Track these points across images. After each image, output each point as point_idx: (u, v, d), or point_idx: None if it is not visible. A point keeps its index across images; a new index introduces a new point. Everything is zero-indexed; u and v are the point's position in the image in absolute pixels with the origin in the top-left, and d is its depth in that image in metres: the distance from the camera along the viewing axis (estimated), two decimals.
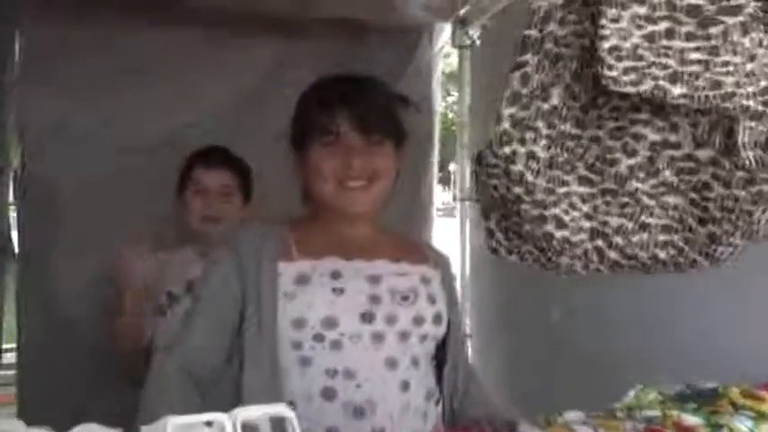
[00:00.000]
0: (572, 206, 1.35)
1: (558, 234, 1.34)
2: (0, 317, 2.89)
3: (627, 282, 1.59)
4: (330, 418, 1.47)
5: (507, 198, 1.34)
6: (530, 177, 1.30)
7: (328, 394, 1.50)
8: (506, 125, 1.29)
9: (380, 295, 1.56)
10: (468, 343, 2.99)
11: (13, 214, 2.96)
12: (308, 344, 1.51)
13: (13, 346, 2.99)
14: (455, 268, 1.96)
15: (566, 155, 1.33)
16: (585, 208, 1.36)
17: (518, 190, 1.31)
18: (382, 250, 1.63)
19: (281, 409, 1.11)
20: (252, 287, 1.54)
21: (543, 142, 1.30)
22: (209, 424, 1.08)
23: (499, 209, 1.41)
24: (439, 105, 3.67)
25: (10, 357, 3.09)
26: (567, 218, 1.35)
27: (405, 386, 1.53)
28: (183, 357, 1.54)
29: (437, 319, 1.59)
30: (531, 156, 1.30)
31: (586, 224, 1.36)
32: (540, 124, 1.30)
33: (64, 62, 2.83)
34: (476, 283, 3.34)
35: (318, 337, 1.51)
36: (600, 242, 1.38)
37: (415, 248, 1.71)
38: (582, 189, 1.36)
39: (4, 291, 2.92)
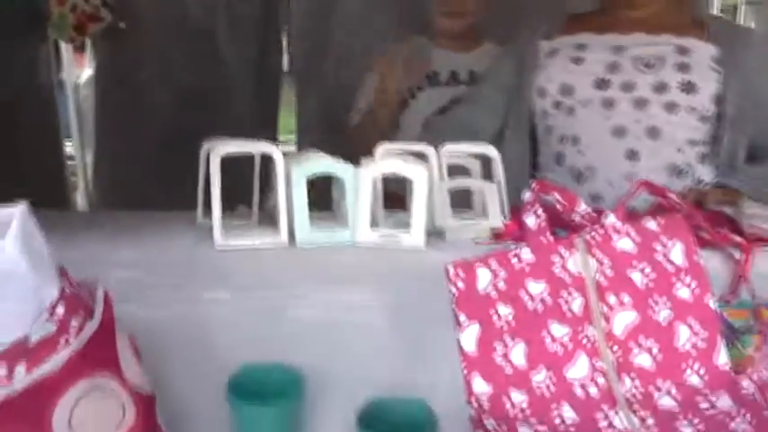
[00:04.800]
0: None
1: None
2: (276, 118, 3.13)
3: None
4: (559, 181, 1.59)
5: None
6: None
7: (559, 160, 1.66)
8: None
9: (621, 63, 1.61)
10: None
11: None
12: (550, 111, 1.67)
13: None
14: None
15: None
16: None
17: None
18: (645, 25, 1.64)
19: (486, 149, 1.24)
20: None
21: None
22: (420, 155, 1.20)
23: None
24: None
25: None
26: None
27: (632, 155, 1.57)
28: None
29: (687, 87, 1.56)
30: None
31: None
32: None
33: None
34: None
35: (557, 105, 1.65)
36: None
37: (696, 23, 1.63)
38: None
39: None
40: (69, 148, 3.13)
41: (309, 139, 2.96)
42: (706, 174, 1.60)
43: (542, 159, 1.72)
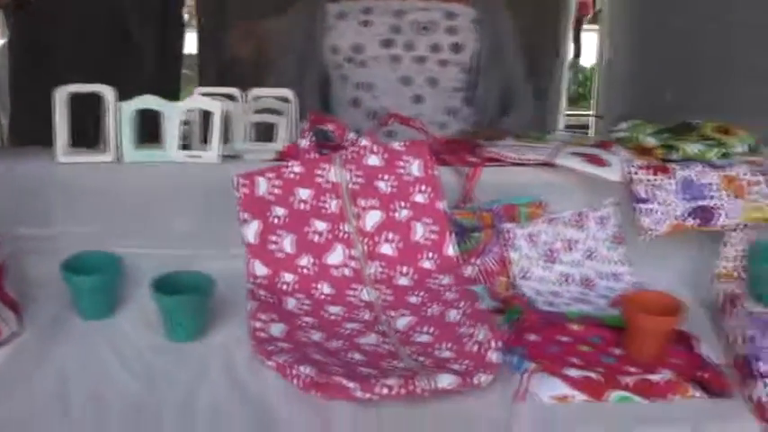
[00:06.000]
0: None
1: None
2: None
3: None
4: (356, 121, 1.90)
5: None
6: None
7: (356, 103, 1.99)
8: None
9: (402, 26, 1.94)
10: None
11: None
12: (344, 65, 1.97)
13: None
14: None
15: None
16: None
17: None
18: None
19: (285, 92, 1.57)
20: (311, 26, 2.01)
21: None
22: (230, 97, 1.53)
23: None
24: None
25: None
26: None
27: (417, 100, 1.95)
28: None
29: (456, 47, 1.94)
30: None
31: None
32: None
33: None
34: None
35: (349, 59, 1.96)
36: None
37: None
38: None
39: None
40: None
41: None
42: (470, 114, 2.00)
43: (339, 103, 2.03)
